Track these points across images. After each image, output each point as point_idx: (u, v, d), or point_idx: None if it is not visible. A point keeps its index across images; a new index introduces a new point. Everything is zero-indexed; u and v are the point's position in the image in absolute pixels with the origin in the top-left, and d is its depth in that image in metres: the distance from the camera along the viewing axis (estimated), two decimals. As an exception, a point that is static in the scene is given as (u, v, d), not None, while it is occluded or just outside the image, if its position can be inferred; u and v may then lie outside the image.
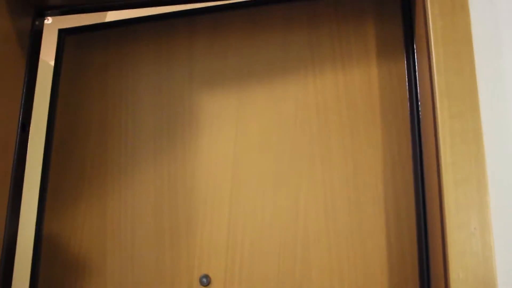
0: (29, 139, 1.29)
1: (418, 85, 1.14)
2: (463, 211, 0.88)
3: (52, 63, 1.37)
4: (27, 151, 1.27)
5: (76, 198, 1.31)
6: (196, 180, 1.25)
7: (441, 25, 0.95)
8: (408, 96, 1.16)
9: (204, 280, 1.19)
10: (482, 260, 0.86)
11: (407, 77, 1.17)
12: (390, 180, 1.14)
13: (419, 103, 1.13)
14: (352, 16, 1.24)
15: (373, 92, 1.18)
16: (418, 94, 1.14)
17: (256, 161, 1.23)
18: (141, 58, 1.36)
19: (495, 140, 0.91)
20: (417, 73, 1.15)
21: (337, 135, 1.19)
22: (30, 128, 1.30)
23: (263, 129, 1.24)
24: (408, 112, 1.15)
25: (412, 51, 1.17)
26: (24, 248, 1.29)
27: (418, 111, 1.14)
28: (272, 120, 1.23)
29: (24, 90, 1.28)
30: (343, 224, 1.15)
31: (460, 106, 0.92)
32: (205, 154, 1.26)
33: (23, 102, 1.27)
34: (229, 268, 1.20)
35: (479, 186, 0.89)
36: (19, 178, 1.25)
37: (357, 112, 1.19)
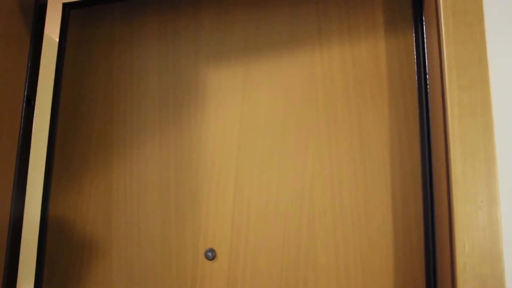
0: (35, 115, 1.29)
1: (426, 57, 1.12)
2: (471, 184, 0.86)
3: (57, 38, 1.36)
4: (33, 126, 1.27)
5: (82, 174, 1.32)
6: (202, 154, 1.25)
7: (450, -6, 0.93)
8: (416, 69, 1.14)
9: (209, 254, 1.20)
10: (489, 234, 0.85)
11: (415, 49, 1.14)
12: (397, 154, 1.12)
13: (427, 75, 1.11)
14: (360, -12, 1.21)
15: (381, 64, 1.16)
16: (426, 66, 1.12)
17: (262, 134, 1.22)
18: (147, 32, 1.35)
19: (505, 113, 0.90)
20: (425, 45, 1.13)
21: (343, 108, 1.17)
22: (36, 103, 1.30)
23: (270, 102, 1.22)
24: (416, 85, 1.13)
25: (420, 22, 1.15)
26: (30, 224, 1.30)
27: (426, 84, 1.12)
28: (279, 93, 1.22)
29: (29, 65, 1.28)
30: (349, 198, 1.14)
31: (469, 77, 0.90)
32: (211, 128, 1.25)
33: (28, 76, 1.27)
34: (234, 242, 1.20)
35: (487, 159, 0.87)
36: (25, 150, 1.25)
37: (364, 85, 1.17)
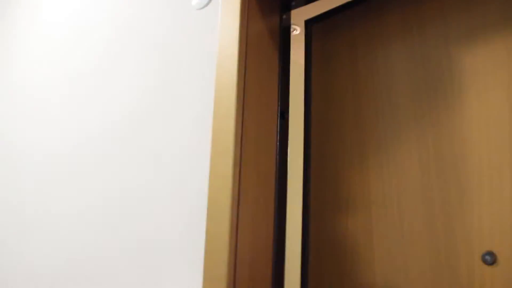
0: (289, 127, 1.35)
1: None
2: None
3: (302, 53, 1.41)
4: (288, 138, 1.33)
5: (338, 181, 1.30)
6: (466, 147, 1.10)
7: None
8: None
9: (488, 258, 1.02)
10: None
11: None
12: None
13: None
14: None
15: None
16: None
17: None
18: (389, 30, 1.29)
19: None
20: None
21: None
22: (290, 116, 1.36)
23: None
24: None
25: None
26: (293, 237, 1.34)
27: None
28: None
29: (280, 82, 1.35)
30: None
31: None
32: (474, 116, 1.10)
33: (279, 92, 1.34)
34: (519, 244, 1.00)
35: None
36: (282, 162, 1.31)
37: None
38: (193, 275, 1.19)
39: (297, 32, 1.47)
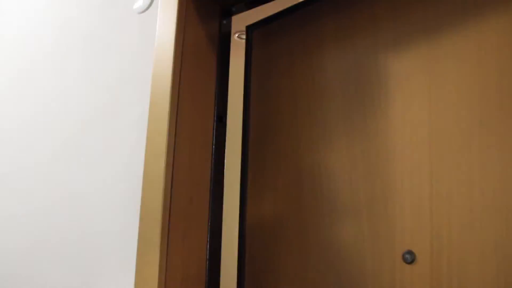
0: (228, 131, 1.37)
1: None
2: None
3: (243, 59, 1.44)
4: (226, 141, 1.36)
5: (274, 179, 1.33)
6: (389, 145, 1.14)
7: None
8: None
9: (408, 256, 1.06)
10: None
11: None
12: None
13: None
14: None
15: None
16: None
17: (456, 115, 1.06)
18: (323, 39, 1.33)
19: None
20: None
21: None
22: (228, 120, 1.39)
23: (461, 76, 1.06)
24: None
25: None
26: (229, 229, 1.36)
27: None
28: (470, 73, 1.05)
29: (217, 86, 1.38)
30: None
31: None
32: (398, 117, 1.15)
33: (217, 96, 1.37)
34: (435, 243, 1.04)
35: None
36: (218, 163, 1.33)
37: None
38: (126, 273, 1.20)
39: (241, 37, 1.50)
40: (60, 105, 1.56)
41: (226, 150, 1.37)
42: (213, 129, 1.34)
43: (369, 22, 1.26)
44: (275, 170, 1.33)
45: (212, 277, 1.29)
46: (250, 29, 1.51)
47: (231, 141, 1.38)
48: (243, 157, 1.37)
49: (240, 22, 1.49)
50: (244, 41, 1.47)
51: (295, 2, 1.39)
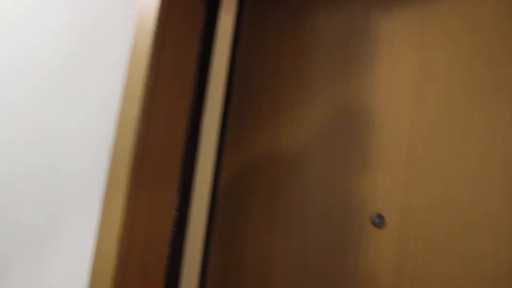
0: (211, 80, 1.34)
1: None
2: None
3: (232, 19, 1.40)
4: (209, 89, 1.33)
5: (253, 135, 1.30)
6: (372, 107, 1.12)
7: None
8: None
9: (377, 220, 1.04)
10: None
11: None
12: None
13: None
14: None
15: None
16: None
17: (443, 83, 1.04)
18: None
19: None
20: None
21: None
22: (213, 70, 1.35)
23: (452, 44, 1.04)
24: None
25: None
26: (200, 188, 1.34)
27: None
28: (463, 33, 1.02)
29: (202, 37, 1.34)
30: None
31: None
32: (383, 78, 1.12)
33: (201, 47, 1.33)
34: (405, 208, 1.03)
35: None
36: (196, 114, 1.31)
37: None
38: (91, 214, 1.18)
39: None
40: (38, 41, 1.52)
41: (207, 102, 1.34)
42: (194, 78, 1.31)
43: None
44: (254, 128, 1.31)
45: (180, 228, 1.27)
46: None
47: (213, 94, 1.35)
48: (224, 111, 1.34)
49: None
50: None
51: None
